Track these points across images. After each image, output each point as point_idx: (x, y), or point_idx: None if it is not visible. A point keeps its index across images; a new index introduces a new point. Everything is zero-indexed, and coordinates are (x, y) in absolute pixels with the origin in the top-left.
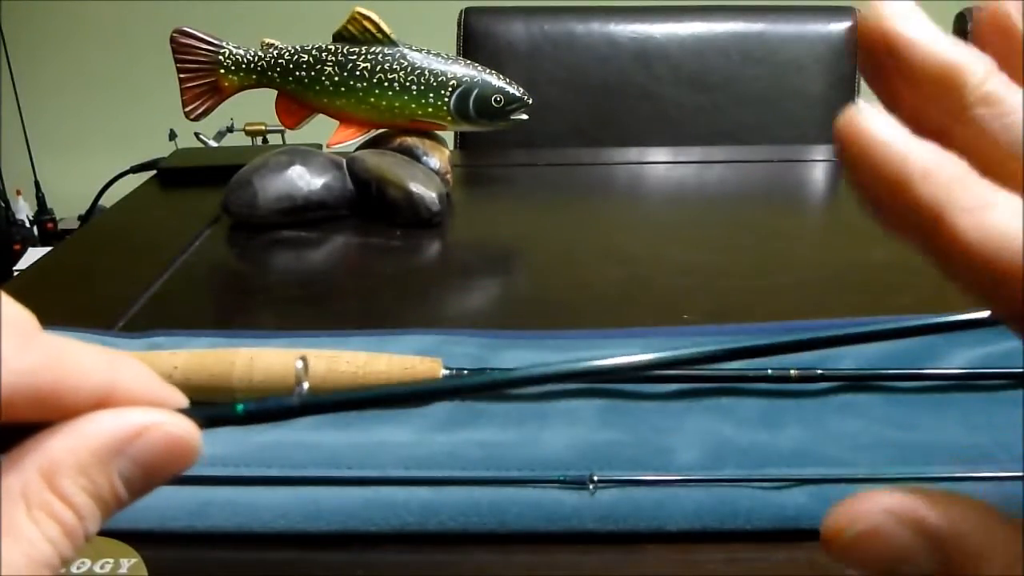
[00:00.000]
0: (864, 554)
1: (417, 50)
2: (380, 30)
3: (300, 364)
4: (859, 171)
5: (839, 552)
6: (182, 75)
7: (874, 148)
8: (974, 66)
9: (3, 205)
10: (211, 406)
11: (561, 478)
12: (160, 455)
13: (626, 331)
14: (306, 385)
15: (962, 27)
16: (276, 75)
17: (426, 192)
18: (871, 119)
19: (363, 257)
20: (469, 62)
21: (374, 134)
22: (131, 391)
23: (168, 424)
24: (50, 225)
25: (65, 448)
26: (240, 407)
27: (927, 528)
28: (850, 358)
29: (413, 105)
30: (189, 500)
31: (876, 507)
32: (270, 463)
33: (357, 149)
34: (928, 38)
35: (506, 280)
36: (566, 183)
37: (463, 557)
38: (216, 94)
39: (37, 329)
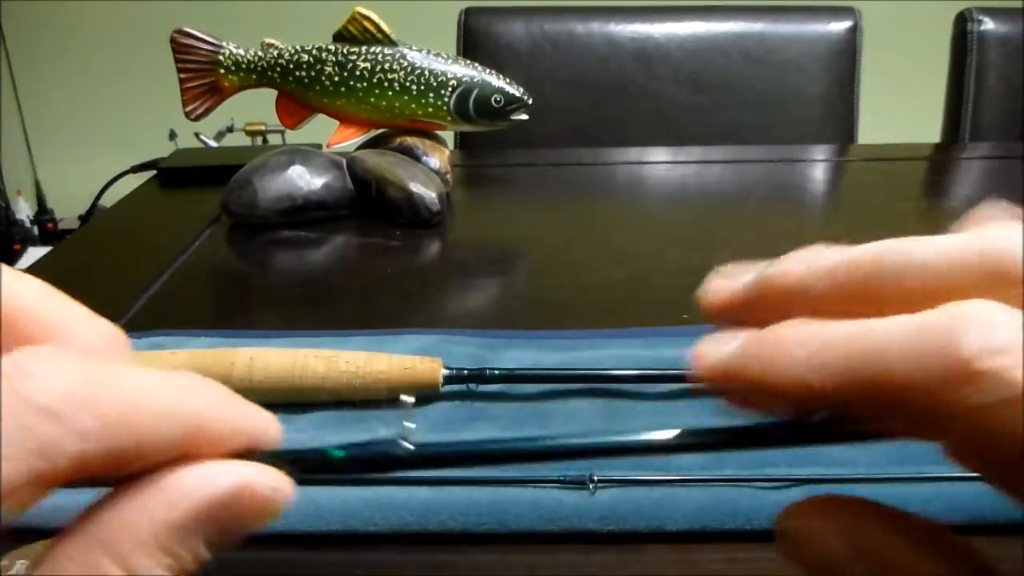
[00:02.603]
0: (803, 557)
1: (417, 50)
2: (380, 30)
3: (410, 400)
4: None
5: (782, 553)
6: (182, 75)
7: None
8: None
9: (3, 205)
10: (303, 452)
11: (561, 478)
12: (247, 517)
13: (626, 331)
14: (412, 425)
15: (962, 28)
16: (276, 75)
17: (426, 192)
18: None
19: (363, 257)
20: (469, 62)
21: (374, 134)
22: (220, 429)
23: (260, 486)
24: (50, 225)
25: (144, 526)
26: (339, 452)
27: (861, 545)
28: None
29: (413, 105)
30: None
31: (816, 513)
32: None
33: (357, 149)
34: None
35: (506, 280)
36: (566, 183)
37: (463, 557)
38: (216, 94)
39: (121, 345)
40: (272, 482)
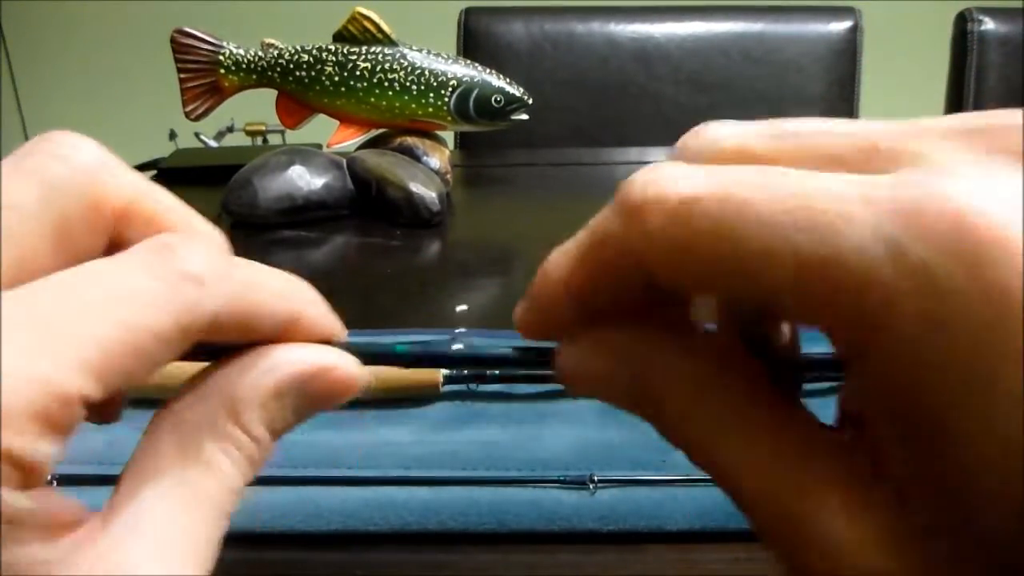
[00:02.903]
0: (576, 379)
1: (417, 50)
2: (380, 30)
3: (463, 308)
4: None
5: (560, 378)
6: (182, 75)
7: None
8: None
9: None
10: (374, 344)
11: (561, 478)
12: (330, 393)
13: None
14: (464, 307)
15: (962, 28)
16: (276, 75)
17: (426, 192)
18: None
19: (363, 257)
20: (469, 62)
21: (374, 134)
22: (312, 320)
23: (341, 367)
24: None
25: (249, 384)
26: (402, 347)
27: (623, 354)
28: None
29: (413, 105)
30: None
31: (588, 338)
32: (270, 463)
33: (357, 149)
34: None
35: (506, 280)
36: (566, 183)
37: (463, 557)
38: (216, 94)
39: (227, 249)
40: (350, 367)
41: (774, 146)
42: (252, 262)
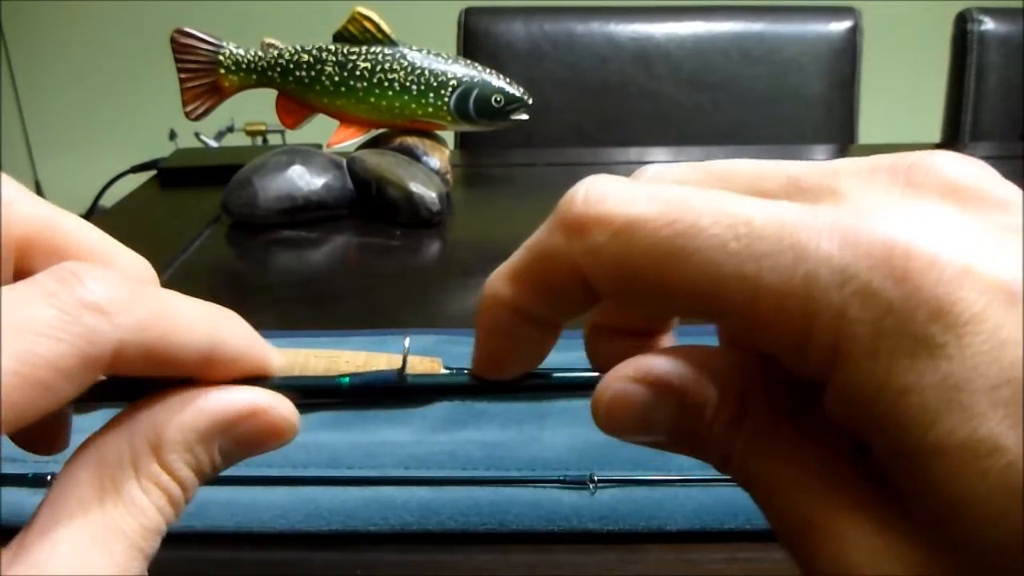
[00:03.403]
0: (616, 421)
1: (417, 50)
2: (380, 30)
3: (407, 342)
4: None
5: (600, 422)
6: (182, 75)
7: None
8: None
9: None
10: (314, 379)
11: (561, 478)
12: (261, 437)
13: None
14: (407, 342)
15: (962, 28)
16: (276, 75)
17: (426, 192)
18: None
19: (363, 257)
20: (469, 62)
21: (374, 134)
22: (234, 351)
23: (272, 410)
24: None
25: (174, 424)
26: (345, 380)
27: (659, 381)
28: None
29: (413, 105)
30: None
31: (619, 373)
32: (270, 463)
33: (357, 149)
34: None
35: None
36: (566, 183)
37: (463, 557)
38: (216, 94)
39: (151, 279)
40: (283, 410)
41: (710, 184)
42: (169, 291)
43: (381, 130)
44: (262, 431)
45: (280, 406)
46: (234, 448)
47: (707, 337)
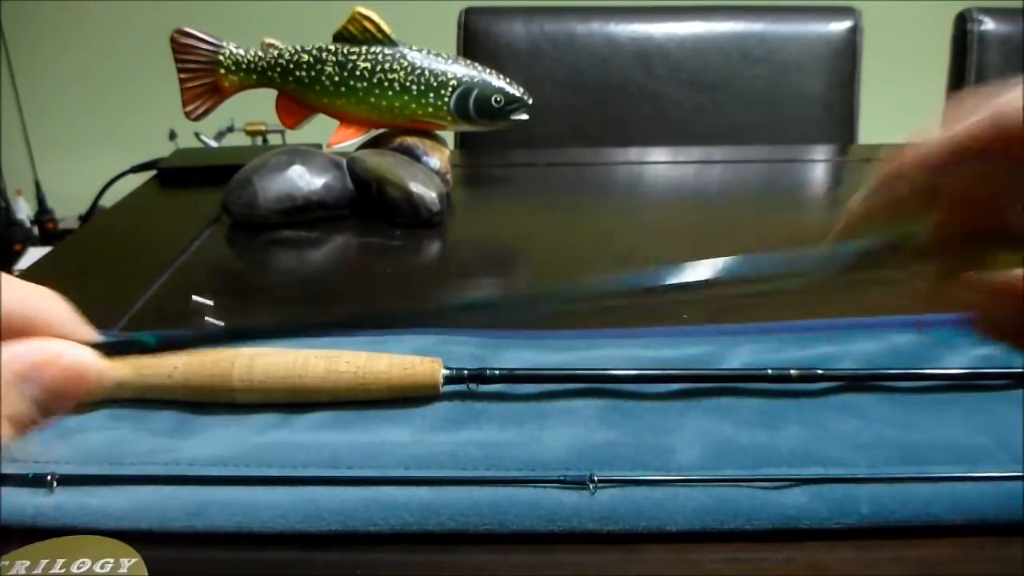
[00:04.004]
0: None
1: (417, 50)
2: (380, 30)
3: (197, 299)
4: None
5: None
6: (182, 75)
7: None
8: None
9: (3, 205)
10: (124, 336)
11: (561, 478)
12: (64, 381)
13: (626, 331)
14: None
15: (962, 28)
16: (276, 75)
17: (426, 192)
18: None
19: (363, 257)
20: (469, 62)
21: (374, 134)
22: (48, 323)
23: (69, 355)
24: (50, 225)
25: None
26: (151, 338)
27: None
28: (850, 358)
29: (413, 105)
30: (189, 500)
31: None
32: (270, 463)
33: (357, 149)
34: None
35: (506, 280)
36: (566, 183)
37: (463, 557)
38: (216, 94)
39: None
40: (81, 354)
41: None
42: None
43: (381, 130)
44: (65, 375)
45: (76, 352)
46: (43, 394)
47: (708, 337)
